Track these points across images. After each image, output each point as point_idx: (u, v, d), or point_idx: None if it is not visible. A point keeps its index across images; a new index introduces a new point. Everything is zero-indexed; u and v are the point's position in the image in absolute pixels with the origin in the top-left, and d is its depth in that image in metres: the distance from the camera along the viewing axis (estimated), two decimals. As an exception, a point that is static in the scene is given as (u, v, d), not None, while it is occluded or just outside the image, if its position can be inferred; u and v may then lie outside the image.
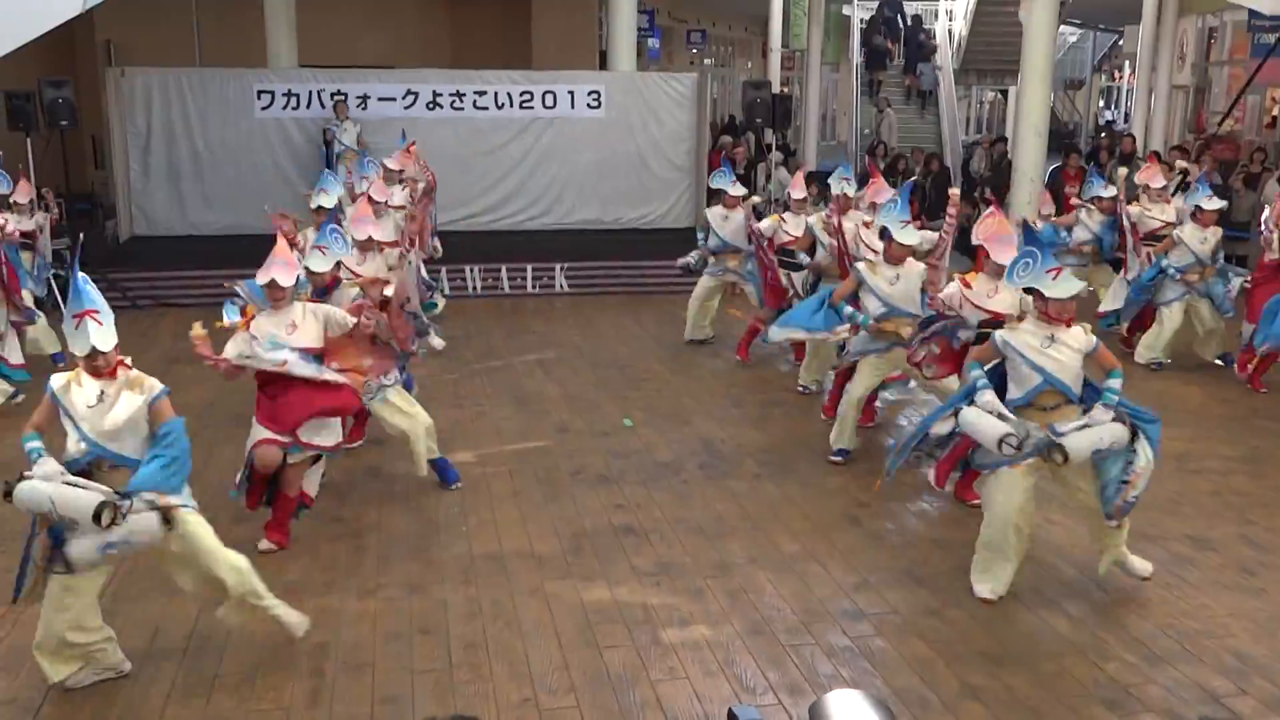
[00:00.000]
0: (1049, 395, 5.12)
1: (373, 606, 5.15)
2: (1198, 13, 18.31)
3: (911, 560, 5.75)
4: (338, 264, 6.27)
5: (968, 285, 6.22)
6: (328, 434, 5.81)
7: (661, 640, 4.90)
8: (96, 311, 4.26)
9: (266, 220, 7.51)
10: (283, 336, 5.59)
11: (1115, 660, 4.78)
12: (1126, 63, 28.85)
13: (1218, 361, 9.29)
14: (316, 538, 5.91)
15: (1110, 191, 9.95)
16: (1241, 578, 5.57)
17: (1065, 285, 5.02)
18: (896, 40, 23.72)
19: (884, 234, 6.81)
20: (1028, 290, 5.20)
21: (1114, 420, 5.05)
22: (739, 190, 9.52)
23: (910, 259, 6.82)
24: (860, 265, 6.91)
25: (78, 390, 4.28)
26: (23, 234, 9.04)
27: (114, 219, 13.47)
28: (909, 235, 6.74)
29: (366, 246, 7.16)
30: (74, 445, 4.29)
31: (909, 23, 24.17)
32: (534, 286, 12.65)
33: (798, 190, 9.22)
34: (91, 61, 16.04)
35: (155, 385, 4.39)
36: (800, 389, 8.62)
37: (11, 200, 9.14)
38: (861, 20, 24.40)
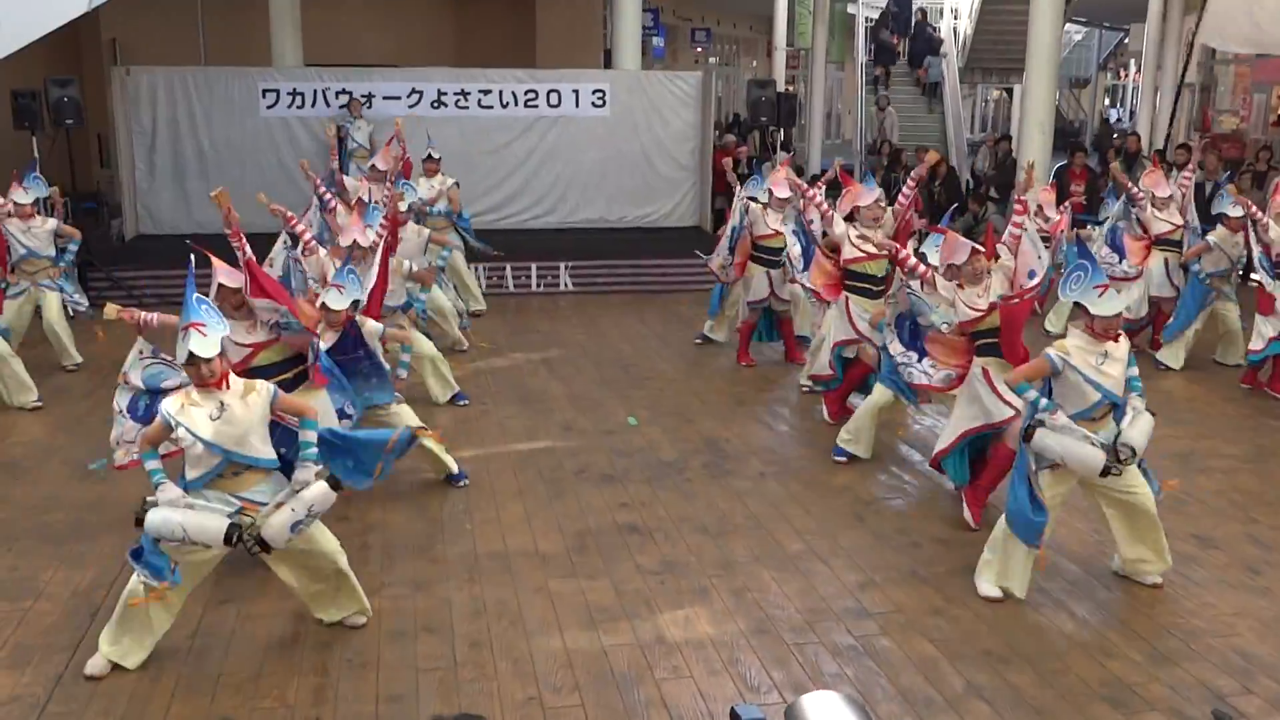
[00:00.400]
0: (1101, 409, 5.10)
1: (377, 605, 5.15)
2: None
3: (916, 559, 5.74)
4: (355, 303, 6.20)
5: (961, 287, 6.21)
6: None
7: (666, 639, 4.91)
8: (202, 325, 4.40)
9: (271, 220, 7.52)
10: (245, 334, 5.60)
11: (1120, 659, 4.77)
12: (1132, 61, 28.81)
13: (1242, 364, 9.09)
14: (321, 536, 5.92)
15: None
16: (1246, 577, 5.56)
17: (1111, 303, 5.00)
18: (903, 35, 23.65)
19: (925, 260, 6.57)
20: (1076, 305, 5.15)
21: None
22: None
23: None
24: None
25: (196, 409, 4.41)
26: None
27: (119, 218, 13.48)
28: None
29: (354, 253, 6.95)
30: (204, 459, 4.45)
31: (916, 17, 24.09)
32: (538, 285, 12.66)
33: (780, 189, 8.95)
34: (97, 60, 16.07)
35: (266, 386, 4.60)
36: (804, 388, 8.61)
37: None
38: (868, 19, 24.36)
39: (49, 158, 12.41)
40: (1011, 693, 4.51)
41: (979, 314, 6.06)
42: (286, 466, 4.67)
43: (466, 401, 8.24)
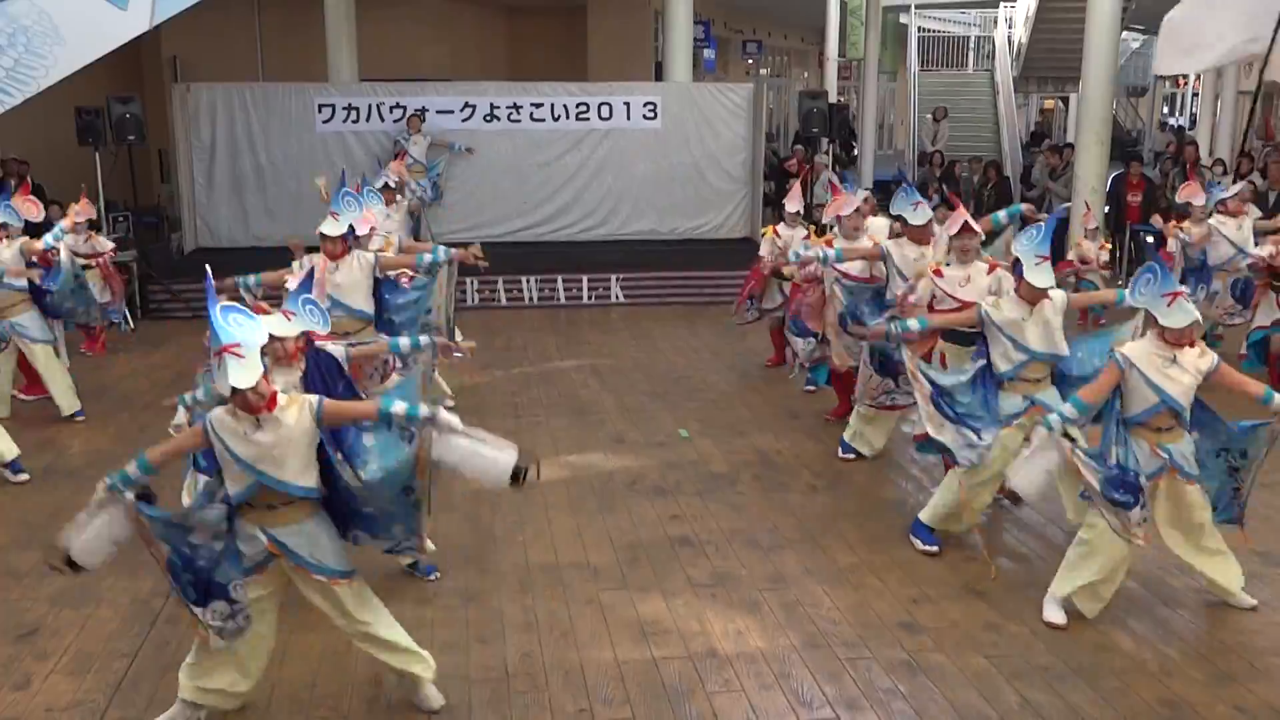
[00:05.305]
0: (1164, 417, 4.96)
1: (430, 615, 5.19)
2: (1265, 17, 17.93)
3: (970, 574, 5.67)
4: (303, 334, 5.05)
5: (939, 274, 6.16)
6: None
7: (717, 652, 4.89)
8: (236, 346, 3.83)
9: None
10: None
11: (1181, 678, 4.68)
12: (1191, 68, 28.34)
13: None
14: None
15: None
16: (1313, 595, 5.43)
17: (1180, 314, 4.82)
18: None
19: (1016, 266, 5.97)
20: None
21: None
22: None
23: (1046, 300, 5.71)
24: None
25: (234, 424, 3.99)
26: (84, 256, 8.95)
27: (179, 231, 13.74)
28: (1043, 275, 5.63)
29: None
30: (238, 477, 4.05)
31: None
32: (590, 297, 12.71)
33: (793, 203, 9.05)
34: (158, 77, 16.38)
35: (309, 397, 4.10)
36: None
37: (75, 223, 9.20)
38: (921, 29, 24.19)
39: (111, 174, 12.67)
40: (1069, 711, 4.43)
41: (957, 305, 6.04)
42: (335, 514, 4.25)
43: None
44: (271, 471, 4.00)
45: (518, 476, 3.98)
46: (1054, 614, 5.14)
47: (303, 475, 4.07)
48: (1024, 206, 7.64)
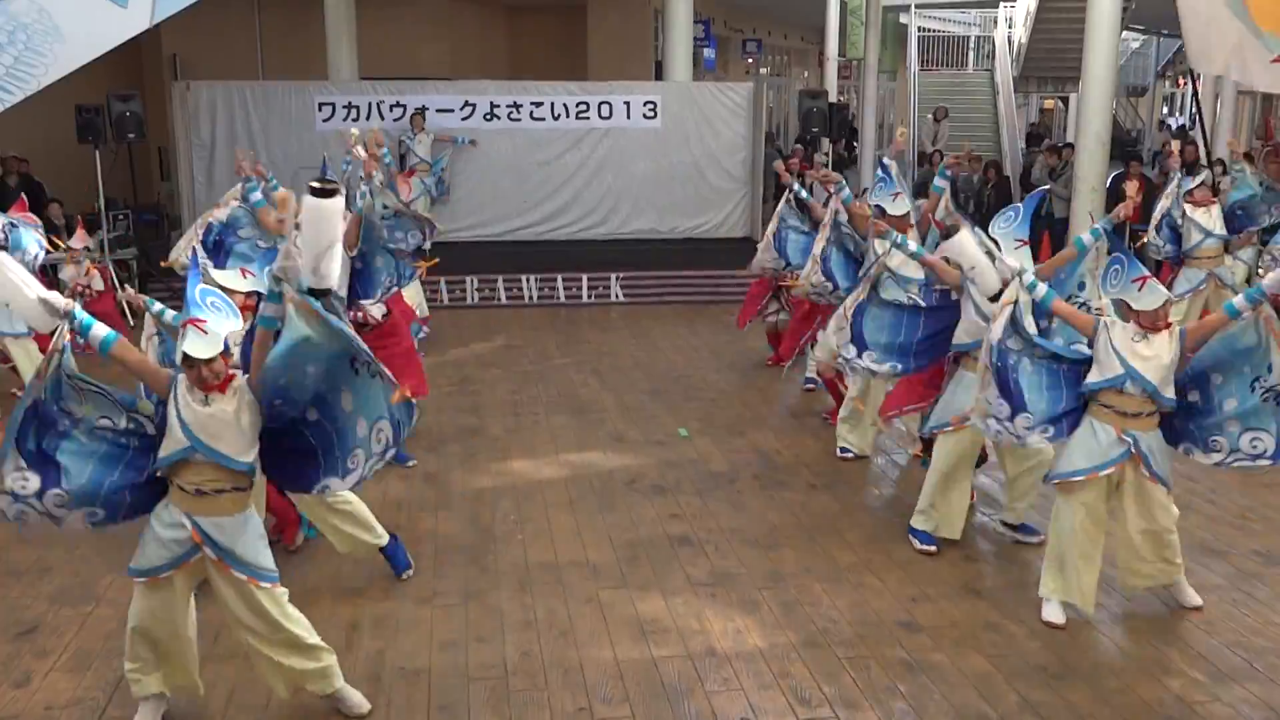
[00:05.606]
0: (1131, 400, 4.91)
1: (429, 613, 5.19)
2: (1265, 17, 17.93)
3: (970, 574, 5.68)
4: (254, 293, 5.00)
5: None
6: None
7: (716, 651, 4.89)
8: (202, 321, 3.91)
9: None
10: None
11: (1180, 677, 4.68)
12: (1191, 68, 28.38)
13: None
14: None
15: None
16: (1312, 595, 5.44)
17: (1152, 296, 4.82)
18: None
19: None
20: (1115, 301, 4.97)
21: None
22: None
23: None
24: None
25: (189, 393, 4.02)
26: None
27: (179, 230, 13.71)
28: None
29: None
30: (175, 439, 4.04)
31: None
32: (589, 296, 12.71)
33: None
34: (158, 75, 16.39)
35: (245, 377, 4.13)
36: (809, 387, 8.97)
37: (67, 246, 9.12)
38: (921, 29, 24.18)
39: (111, 172, 12.66)
40: (1068, 710, 4.43)
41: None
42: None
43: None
44: (208, 441, 3.96)
45: (320, 193, 3.82)
46: (1053, 614, 5.14)
47: (242, 451, 4.03)
48: (947, 160, 7.64)
